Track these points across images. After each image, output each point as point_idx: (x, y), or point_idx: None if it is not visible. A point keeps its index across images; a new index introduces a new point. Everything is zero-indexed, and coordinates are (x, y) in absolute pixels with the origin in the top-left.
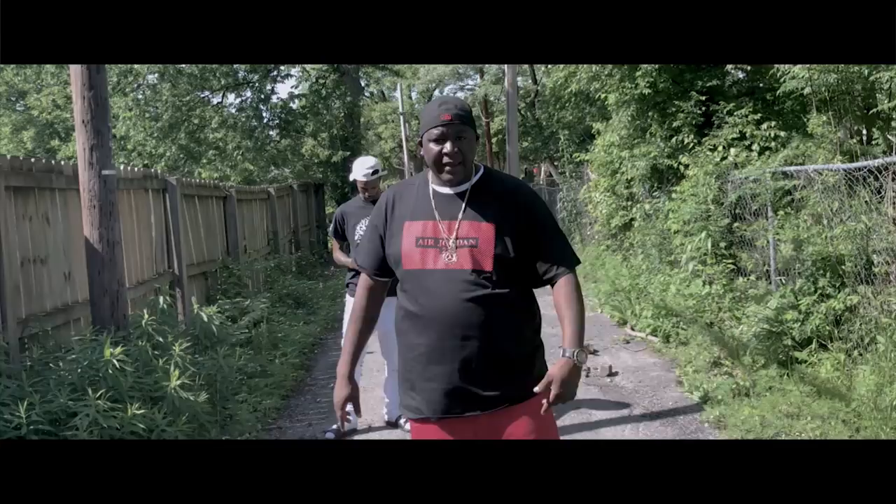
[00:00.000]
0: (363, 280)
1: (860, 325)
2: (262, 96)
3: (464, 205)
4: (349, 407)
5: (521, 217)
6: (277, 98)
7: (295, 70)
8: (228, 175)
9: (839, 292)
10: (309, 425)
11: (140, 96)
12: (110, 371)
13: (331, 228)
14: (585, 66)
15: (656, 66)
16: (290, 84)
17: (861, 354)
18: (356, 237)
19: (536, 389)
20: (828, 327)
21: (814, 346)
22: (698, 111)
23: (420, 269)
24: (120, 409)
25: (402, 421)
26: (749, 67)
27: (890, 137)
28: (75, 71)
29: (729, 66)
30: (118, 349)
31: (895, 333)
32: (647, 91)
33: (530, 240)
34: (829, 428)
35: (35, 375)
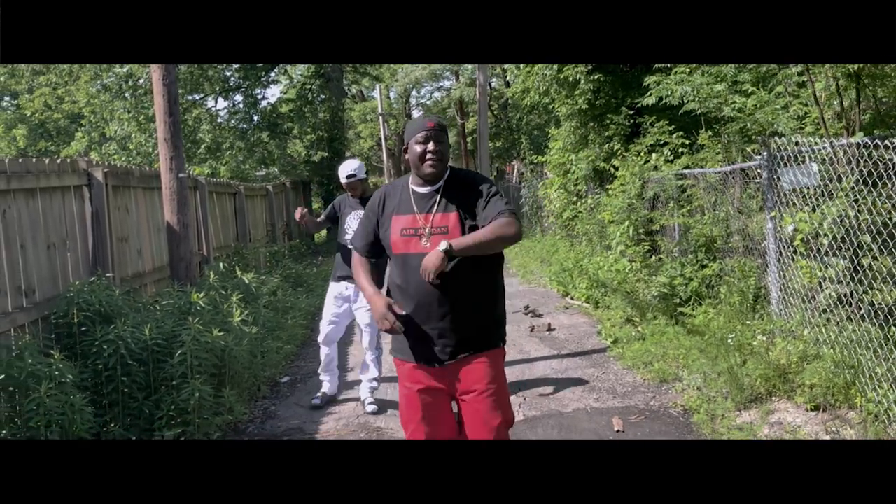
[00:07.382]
0: (357, 258)
1: (716, 285)
2: (252, 101)
3: (436, 200)
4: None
5: (476, 197)
6: (267, 103)
7: (283, 77)
8: (220, 172)
9: (712, 263)
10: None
11: (134, 97)
12: (198, 308)
13: (328, 209)
14: (536, 83)
15: (592, 86)
16: (279, 89)
17: (720, 306)
18: (345, 226)
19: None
20: (703, 289)
21: (693, 302)
22: (627, 123)
23: (404, 253)
24: (208, 332)
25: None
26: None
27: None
28: (158, 103)
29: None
30: (201, 295)
31: (733, 286)
32: (584, 107)
33: (480, 208)
34: (689, 355)
35: (146, 311)
